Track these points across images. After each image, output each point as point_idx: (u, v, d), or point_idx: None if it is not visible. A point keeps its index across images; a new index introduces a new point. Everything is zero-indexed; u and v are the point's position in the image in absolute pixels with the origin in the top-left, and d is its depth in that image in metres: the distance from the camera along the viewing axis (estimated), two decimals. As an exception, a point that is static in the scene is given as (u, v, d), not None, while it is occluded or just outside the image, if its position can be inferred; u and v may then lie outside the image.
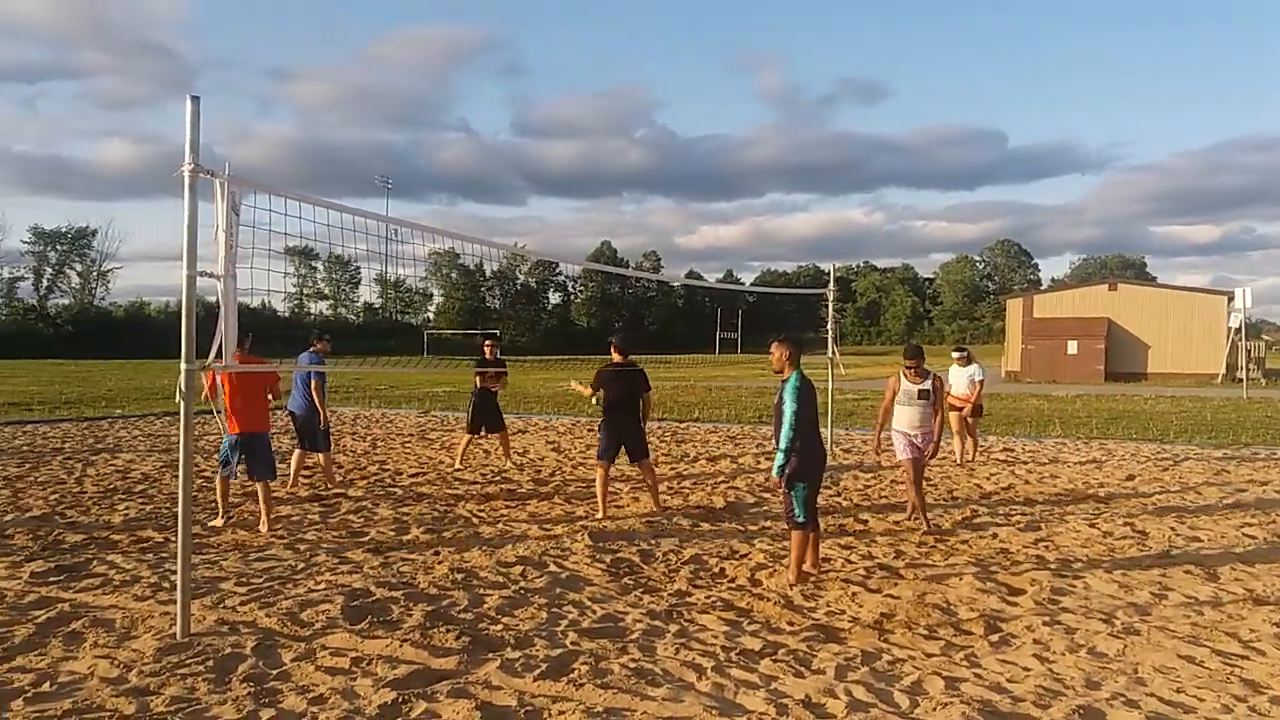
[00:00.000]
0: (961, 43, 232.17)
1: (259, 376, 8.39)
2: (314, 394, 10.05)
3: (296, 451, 10.44)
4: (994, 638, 5.35)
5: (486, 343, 12.68)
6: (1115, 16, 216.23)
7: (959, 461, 12.57)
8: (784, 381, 6.54)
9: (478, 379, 12.19)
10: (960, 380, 12.88)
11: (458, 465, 11.99)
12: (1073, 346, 42.27)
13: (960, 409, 12.64)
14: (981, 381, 12.90)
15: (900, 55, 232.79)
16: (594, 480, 9.85)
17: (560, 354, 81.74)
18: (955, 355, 13.30)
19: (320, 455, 10.43)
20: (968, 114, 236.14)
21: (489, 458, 12.97)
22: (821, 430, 6.87)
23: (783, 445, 6.37)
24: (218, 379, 7.91)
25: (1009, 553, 7.48)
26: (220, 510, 8.41)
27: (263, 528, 8.10)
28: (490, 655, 4.92)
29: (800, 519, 6.45)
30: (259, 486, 8.28)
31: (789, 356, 6.62)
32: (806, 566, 6.63)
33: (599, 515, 8.75)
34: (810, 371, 6.81)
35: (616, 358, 9.10)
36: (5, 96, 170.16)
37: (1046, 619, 5.69)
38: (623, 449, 8.96)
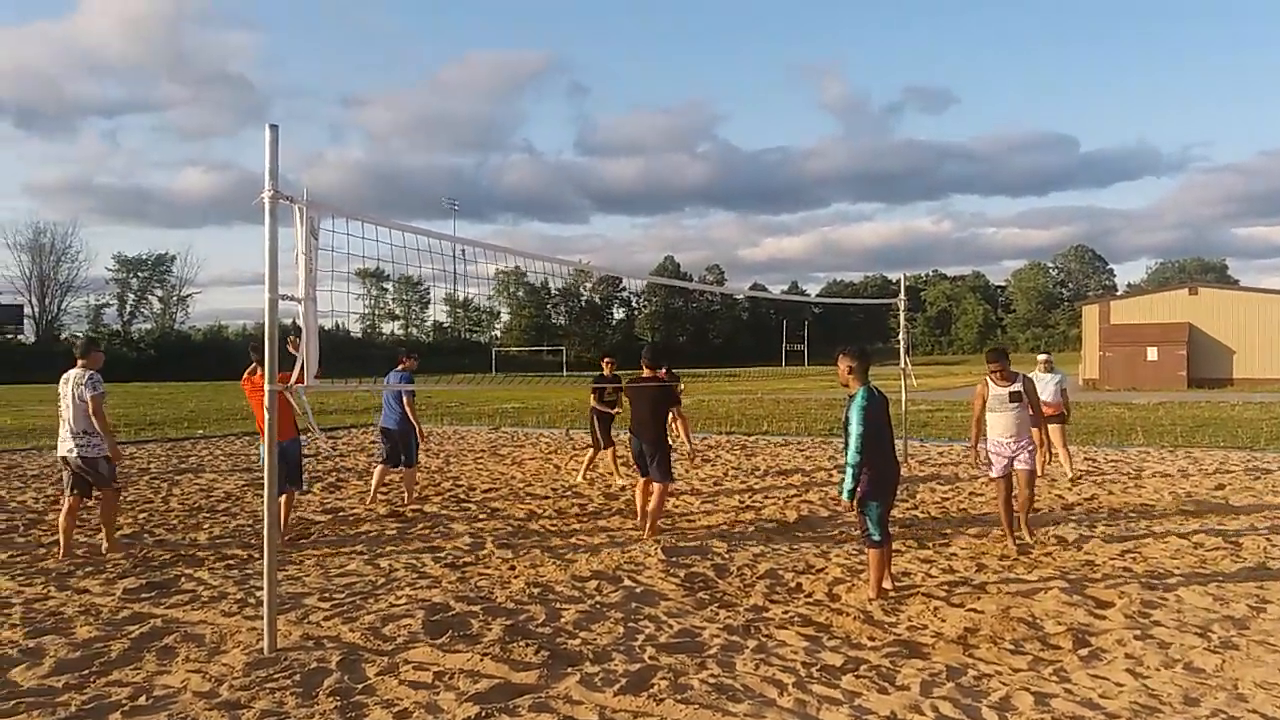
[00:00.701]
0: (1030, 46, 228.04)
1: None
2: (408, 408, 10.31)
3: (378, 468, 10.65)
4: (1083, 652, 5.20)
5: (605, 359, 12.57)
6: (1191, 13, 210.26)
7: (1040, 473, 12.09)
8: (850, 397, 6.27)
9: (592, 397, 12.19)
10: (1048, 388, 12.03)
11: (580, 479, 12.05)
12: (1153, 353, 41.12)
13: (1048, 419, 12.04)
14: (1064, 389, 12.27)
15: (967, 61, 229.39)
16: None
17: (625, 369, 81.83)
18: (1041, 359, 12.46)
19: (403, 470, 10.61)
20: (1038, 118, 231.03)
21: (559, 473, 13.04)
22: (896, 442, 6.71)
23: (850, 463, 6.13)
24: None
25: (1095, 565, 7.27)
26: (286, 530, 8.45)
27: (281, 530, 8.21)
28: (569, 670, 4.93)
29: (876, 537, 6.29)
30: (283, 496, 8.41)
31: (853, 370, 6.31)
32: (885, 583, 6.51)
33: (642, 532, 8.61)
34: (881, 383, 6.68)
35: (645, 372, 8.88)
36: (88, 130, 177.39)
37: (1138, 633, 5.51)
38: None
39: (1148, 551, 7.72)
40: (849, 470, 6.12)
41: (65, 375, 7.84)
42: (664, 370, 8.95)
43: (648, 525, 8.59)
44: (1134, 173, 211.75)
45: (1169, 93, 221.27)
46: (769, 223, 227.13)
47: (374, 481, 10.65)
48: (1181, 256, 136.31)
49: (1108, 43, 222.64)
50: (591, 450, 12.29)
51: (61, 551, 7.79)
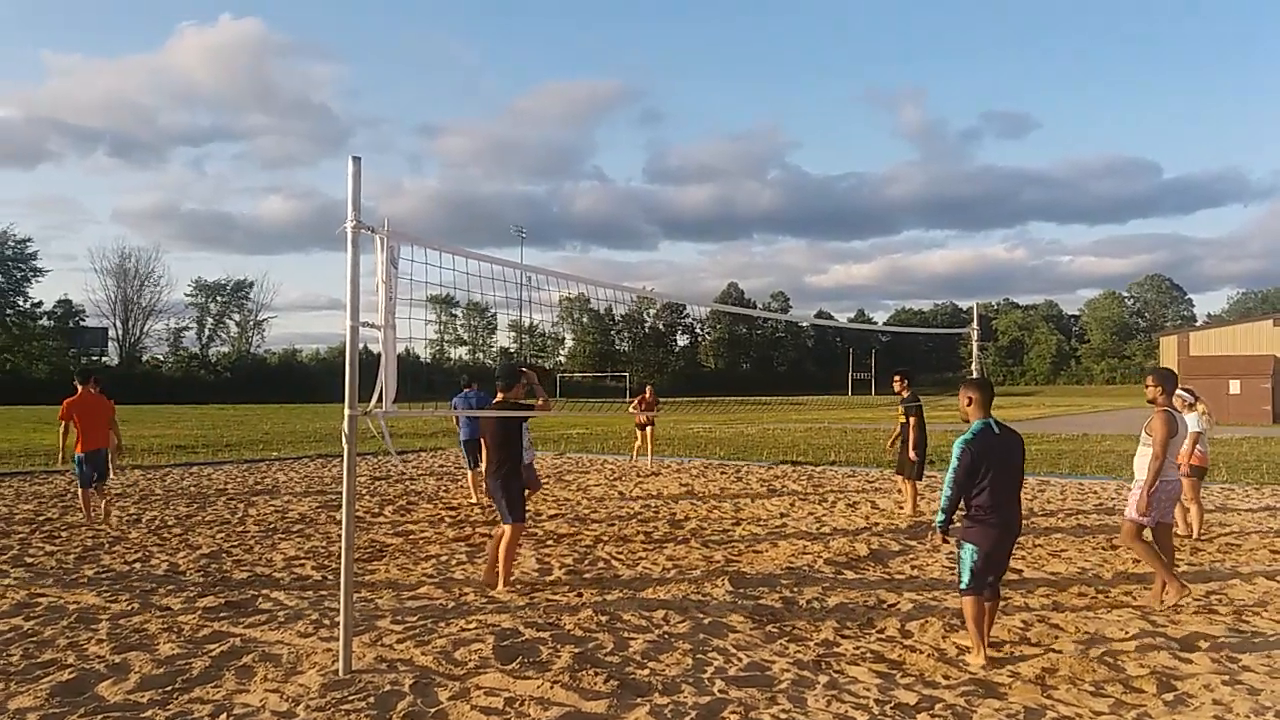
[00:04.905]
0: (1112, 71, 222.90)
1: (104, 407, 10.86)
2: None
3: (469, 473, 12.92)
4: (1168, 697, 5.03)
5: (897, 376, 11.98)
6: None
7: (1182, 532, 10.03)
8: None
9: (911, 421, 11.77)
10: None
11: (895, 506, 11.81)
12: (1235, 386, 39.82)
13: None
14: (1198, 434, 10.02)
15: (1047, 86, 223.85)
16: (725, 527, 9.49)
17: (688, 395, 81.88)
18: (1182, 396, 9.91)
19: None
20: (1119, 144, 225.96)
21: (624, 500, 13.05)
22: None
23: (941, 502, 5.80)
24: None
25: (1178, 605, 7.03)
26: (89, 517, 10.62)
27: (111, 521, 10.60)
28: (639, 700, 4.92)
29: (961, 584, 5.77)
30: (104, 488, 10.77)
31: (972, 400, 5.87)
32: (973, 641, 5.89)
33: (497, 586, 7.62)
34: (954, 414, 6.51)
35: (499, 396, 7.85)
36: (177, 158, 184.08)
37: (1226, 678, 5.31)
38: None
39: (1234, 593, 7.45)
40: (941, 507, 5.79)
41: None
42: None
43: (499, 572, 7.59)
44: (1219, 199, 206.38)
45: (1261, 117, 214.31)
46: (838, 249, 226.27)
47: (470, 484, 12.80)
48: (1266, 286, 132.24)
49: (1193, 68, 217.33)
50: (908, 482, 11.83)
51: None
